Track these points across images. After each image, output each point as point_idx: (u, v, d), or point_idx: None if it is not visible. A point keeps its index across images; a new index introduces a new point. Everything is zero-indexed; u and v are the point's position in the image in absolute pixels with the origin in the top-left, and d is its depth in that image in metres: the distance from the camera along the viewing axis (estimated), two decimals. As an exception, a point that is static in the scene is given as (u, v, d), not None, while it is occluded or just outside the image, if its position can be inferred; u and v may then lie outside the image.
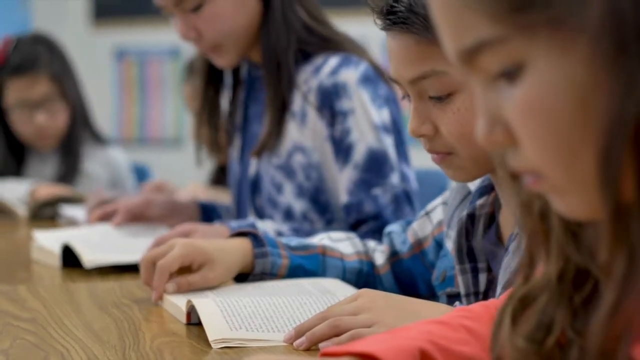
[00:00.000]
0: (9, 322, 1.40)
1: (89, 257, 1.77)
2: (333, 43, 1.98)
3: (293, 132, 1.95)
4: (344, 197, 1.90)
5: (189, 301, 1.37)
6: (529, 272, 0.89)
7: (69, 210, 2.43)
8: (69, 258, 1.82)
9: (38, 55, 2.86)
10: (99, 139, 2.98)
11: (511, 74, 0.73)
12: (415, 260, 1.62)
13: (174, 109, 5.17)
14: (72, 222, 2.36)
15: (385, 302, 1.26)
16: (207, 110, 2.14)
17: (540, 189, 0.77)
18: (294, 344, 1.23)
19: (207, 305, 1.35)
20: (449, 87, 1.29)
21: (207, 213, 2.18)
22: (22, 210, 2.55)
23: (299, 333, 1.24)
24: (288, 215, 1.96)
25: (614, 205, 0.70)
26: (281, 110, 1.96)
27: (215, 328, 1.28)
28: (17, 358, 1.22)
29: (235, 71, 2.13)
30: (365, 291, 1.29)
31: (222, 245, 1.56)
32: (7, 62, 2.84)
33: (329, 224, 1.94)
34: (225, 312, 1.33)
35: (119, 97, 5.32)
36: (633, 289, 0.72)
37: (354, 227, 1.88)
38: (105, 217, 2.15)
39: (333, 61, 1.94)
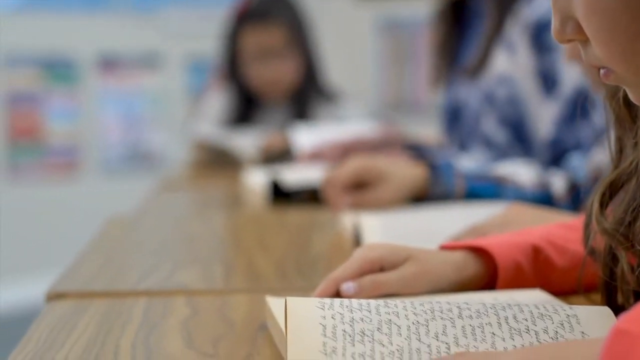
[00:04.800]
0: (190, 242, 1.52)
1: (289, 181, 1.88)
2: None
3: (502, 62, 1.97)
4: (546, 131, 1.90)
5: (355, 218, 1.44)
6: (618, 158, 0.89)
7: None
8: (279, 195, 1.91)
9: (275, 6, 3.00)
10: (329, 94, 3.09)
11: None
12: (592, 190, 1.60)
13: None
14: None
15: (532, 216, 1.27)
16: (445, 44, 2.19)
17: (610, 81, 0.80)
18: (445, 253, 1.27)
19: (370, 221, 1.41)
20: None
21: (416, 152, 2.23)
22: (250, 159, 2.67)
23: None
24: (488, 144, 1.98)
25: None
26: (494, 38, 1.98)
27: (373, 239, 1.33)
28: (181, 263, 1.31)
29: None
30: (515, 205, 1.30)
31: (397, 165, 1.62)
32: (246, 13, 3.00)
33: (528, 156, 1.94)
34: (386, 227, 1.38)
35: (382, 65, 5.45)
36: None
37: (553, 161, 1.88)
38: (320, 156, 2.25)
39: None
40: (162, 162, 5.08)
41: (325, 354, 0.74)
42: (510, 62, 1.96)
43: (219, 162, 2.73)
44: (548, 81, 1.90)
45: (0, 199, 4.78)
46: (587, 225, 0.94)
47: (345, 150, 2.20)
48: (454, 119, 2.08)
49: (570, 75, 1.87)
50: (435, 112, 4.97)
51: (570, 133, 1.86)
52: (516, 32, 1.96)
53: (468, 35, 2.13)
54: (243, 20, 3.01)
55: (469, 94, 2.03)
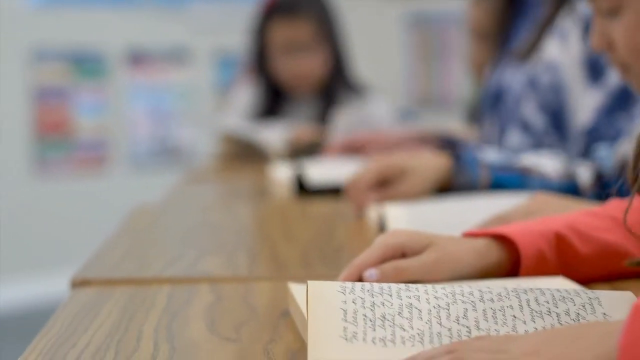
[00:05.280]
0: (215, 231, 1.52)
1: (313, 179, 1.88)
2: None
3: (552, 49, 1.97)
4: (585, 119, 1.88)
5: (381, 210, 1.43)
6: None
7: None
8: (304, 190, 1.91)
9: (303, 0, 3.01)
10: (357, 88, 3.08)
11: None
12: (618, 180, 1.59)
13: (462, 74, 5.23)
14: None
15: (557, 205, 1.27)
16: (495, 29, 2.19)
17: None
18: (467, 241, 1.26)
19: (395, 211, 1.41)
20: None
21: (447, 144, 2.22)
22: (278, 152, 2.67)
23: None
24: (525, 128, 1.97)
25: None
26: (547, 27, 1.98)
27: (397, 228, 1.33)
28: (205, 251, 1.31)
29: None
30: (540, 195, 1.30)
31: (419, 159, 1.61)
32: (274, 7, 3.01)
33: (562, 144, 1.93)
34: (411, 217, 1.38)
35: (410, 61, 5.45)
36: None
37: (586, 150, 1.87)
38: (353, 148, 2.24)
39: None
40: (189, 156, 5.09)
41: (346, 339, 0.74)
42: (560, 50, 1.95)
43: (245, 155, 2.73)
44: (595, 70, 1.89)
45: (29, 193, 4.81)
46: (638, 156, 0.93)
47: (386, 145, 2.19)
48: (496, 102, 2.08)
49: None
50: (461, 107, 5.00)
51: (609, 124, 1.85)
52: (570, 21, 1.96)
53: (520, 21, 2.12)
54: (271, 14, 3.02)
55: (514, 77, 2.03)
